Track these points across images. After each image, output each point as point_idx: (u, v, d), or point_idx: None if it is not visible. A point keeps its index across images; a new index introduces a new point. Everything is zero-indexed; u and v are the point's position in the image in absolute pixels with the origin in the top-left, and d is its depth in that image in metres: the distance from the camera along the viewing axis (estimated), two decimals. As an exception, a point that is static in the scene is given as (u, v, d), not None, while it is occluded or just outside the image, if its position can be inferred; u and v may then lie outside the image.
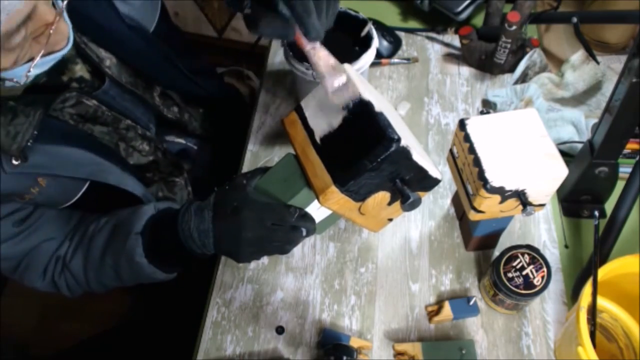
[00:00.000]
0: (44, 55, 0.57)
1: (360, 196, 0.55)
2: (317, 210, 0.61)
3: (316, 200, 0.55)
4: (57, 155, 0.66)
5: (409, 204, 0.55)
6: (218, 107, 1.00)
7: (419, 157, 0.54)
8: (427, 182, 0.58)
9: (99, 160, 0.71)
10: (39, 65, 0.58)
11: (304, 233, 0.60)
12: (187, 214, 0.63)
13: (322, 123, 0.55)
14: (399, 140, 0.50)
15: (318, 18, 0.51)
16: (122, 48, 0.73)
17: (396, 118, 0.57)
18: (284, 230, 0.59)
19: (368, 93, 0.53)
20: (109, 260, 0.71)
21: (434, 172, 0.57)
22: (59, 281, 0.76)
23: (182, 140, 0.96)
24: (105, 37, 0.71)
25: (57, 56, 0.60)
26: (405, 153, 0.51)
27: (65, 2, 0.56)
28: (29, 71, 0.56)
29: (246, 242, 0.59)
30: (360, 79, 0.55)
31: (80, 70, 0.70)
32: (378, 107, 0.51)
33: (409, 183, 0.55)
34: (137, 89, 0.78)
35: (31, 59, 0.56)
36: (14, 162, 0.62)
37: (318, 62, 0.51)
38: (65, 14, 0.58)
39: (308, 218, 0.60)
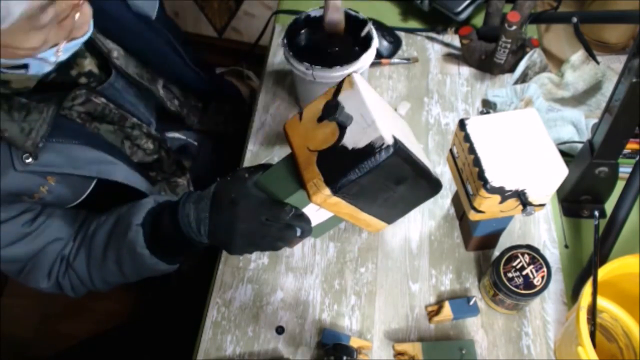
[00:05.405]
0: (69, 41, 0.58)
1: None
2: (315, 212, 0.61)
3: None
4: (67, 153, 0.67)
5: None
6: (218, 102, 1.00)
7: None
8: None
9: (107, 157, 0.72)
10: (66, 50, 0.58)
11: (299, 233, 0.60)
12: (188, 202, 0.64)
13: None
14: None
15: None
16: (129, 38, 0.75)
17: (402, 129, 0.57)
18: (277, 227, 0.59)
19: (372, 103, 0.52)
20: (112, 255, 0.71)
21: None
22: (63, 282, 0.77)
23: (182, 136, 0.96)
24: (115, 26, 0.72)
25: (79, 42, 0.60)
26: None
27: None
28: (57, 51, 0.57)
29: (239, 234, 0.60)
30: (365, 87, 0.54)
31: (89, 64, 0.71)
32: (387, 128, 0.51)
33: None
34: (143, 79, 0.80)
35: (56, 44, 0.57)
36: (26, 160, 0.63)
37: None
38: None
39: (304, 218, 0.60)
